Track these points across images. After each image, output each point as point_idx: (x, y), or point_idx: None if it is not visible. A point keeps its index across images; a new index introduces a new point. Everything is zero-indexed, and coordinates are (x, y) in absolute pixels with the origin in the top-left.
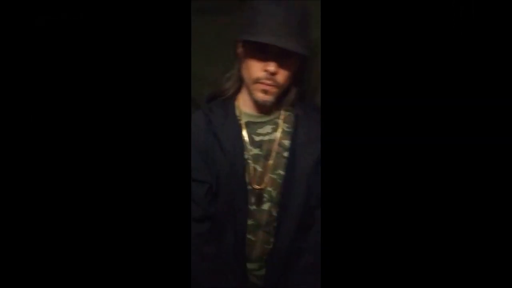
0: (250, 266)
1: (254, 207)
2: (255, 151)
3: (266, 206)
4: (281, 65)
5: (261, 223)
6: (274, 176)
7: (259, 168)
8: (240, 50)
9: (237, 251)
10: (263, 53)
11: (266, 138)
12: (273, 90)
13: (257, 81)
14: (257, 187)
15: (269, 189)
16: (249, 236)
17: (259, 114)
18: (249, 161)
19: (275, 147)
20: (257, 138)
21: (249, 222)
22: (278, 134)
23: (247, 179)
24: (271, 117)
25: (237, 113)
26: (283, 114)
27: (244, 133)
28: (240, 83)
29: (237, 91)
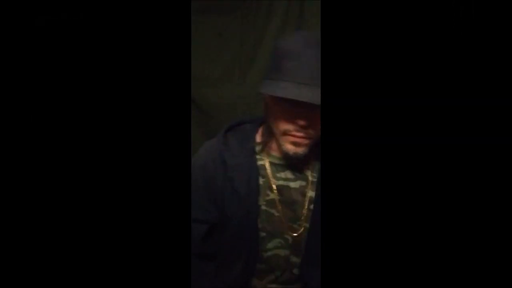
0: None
1: (268, 253)
2: (272, 195)
3: (296, 184)
4: (313, 117)
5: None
6: (296, 226)
7: (276, 214)
8: (267, 98)
9: None
10: (292, 105)
11: (286, 183)
12: (305, 142)
13: (286, 133)
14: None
15: (287, 237)
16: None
17: (285, 164)
18: (264, 208)
19: (297, 196)
20: (276, 183)
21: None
22: (300, 182)
23: (259, 224)
24: (301, 174)
25: (258, 155)
26: (312, 165)
27: (261, 177)
28: (270, 134)
29: (264, 136)
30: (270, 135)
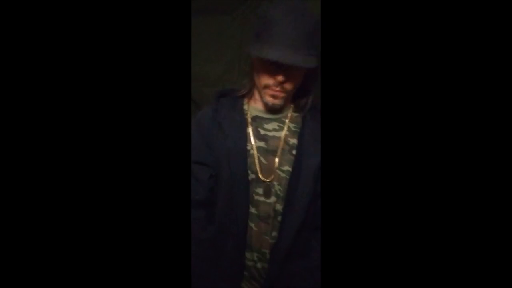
0: (248, 255)
1: (258, 197)
2: (260, 143)
3: (271, 200)
4: (290, 74)
5: (263, 214)
6: (281, 172)
7: (263, 161)
8: (253, 58)
9: (237, 239)
10: (272, 64)
11: (272, 134)
12: (281, 95)
13: (266, 87)
14: (266, 179)
15: (275, 183)
16: (250, 224)
17: (267, 112)
18: (253, 152)
19: (281, 143)
20: (262, 132)
21: (252, 210)
22: (284, 132)
23: (251, 170)
24: (278, 115)
25: (245, 108)
26: (290, 114)
27: (250, 126)
28: (252, 86)
29: (249, 92)
30: (253, 88)
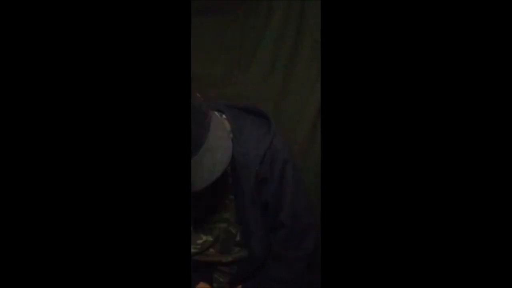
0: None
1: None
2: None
3: (221, 225)
4: None
5: (217, 238)
6: (226, 201)
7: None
8: None
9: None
10: None
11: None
12: None
13: None
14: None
15: (221, 212)
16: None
17: None
18: None
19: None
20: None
21: (205, 238)
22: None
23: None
24: None
25: None
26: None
27: None
28: None
29: None
30: None
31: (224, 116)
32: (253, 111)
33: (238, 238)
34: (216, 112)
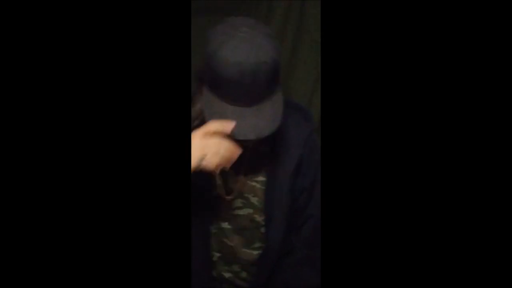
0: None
1: (229, 274)
2: (224, 224)
3: (244, 212)
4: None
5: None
6: (254, 183)
7: (229, 243)
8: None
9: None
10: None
11: (235, 212)
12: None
13: None
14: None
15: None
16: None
17: None
18: (214, 232)
19: (247, 223)
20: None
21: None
22: (248, 210)
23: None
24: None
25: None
26: (253, 186)
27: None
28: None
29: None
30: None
31: None
32: (290, 101)
33: (263, 230)
34: None
